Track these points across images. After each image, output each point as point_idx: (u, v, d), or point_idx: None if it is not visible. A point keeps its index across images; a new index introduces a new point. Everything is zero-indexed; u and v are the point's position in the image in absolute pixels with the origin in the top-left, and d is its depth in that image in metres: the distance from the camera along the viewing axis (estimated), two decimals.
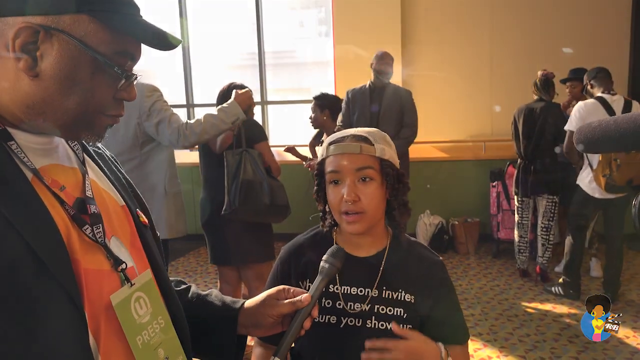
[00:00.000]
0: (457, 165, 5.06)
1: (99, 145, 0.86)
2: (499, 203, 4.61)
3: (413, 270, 1.13)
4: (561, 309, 3.52)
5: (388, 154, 1.08)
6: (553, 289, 3.76)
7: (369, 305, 1.09)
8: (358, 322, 1.09)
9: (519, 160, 3.97)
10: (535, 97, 3.87)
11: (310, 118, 3.42)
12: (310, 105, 3.46)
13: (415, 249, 1.18)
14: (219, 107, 2.49)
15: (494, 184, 4.65)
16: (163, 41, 0.69)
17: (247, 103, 2.55)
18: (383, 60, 3.85)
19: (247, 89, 2.59)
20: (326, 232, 1.19)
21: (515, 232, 4.07)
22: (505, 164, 4.59)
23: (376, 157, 1.07)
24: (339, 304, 1.10)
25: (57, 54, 0.64)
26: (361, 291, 1.11)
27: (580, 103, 3.55)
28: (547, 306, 3.58)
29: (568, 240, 3.71)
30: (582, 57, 4.78)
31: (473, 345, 3.04)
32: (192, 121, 2.46)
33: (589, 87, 3.60)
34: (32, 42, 0.63)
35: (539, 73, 3.85)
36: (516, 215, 4.04)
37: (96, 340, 0.66)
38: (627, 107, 3.41)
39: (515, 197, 4.02)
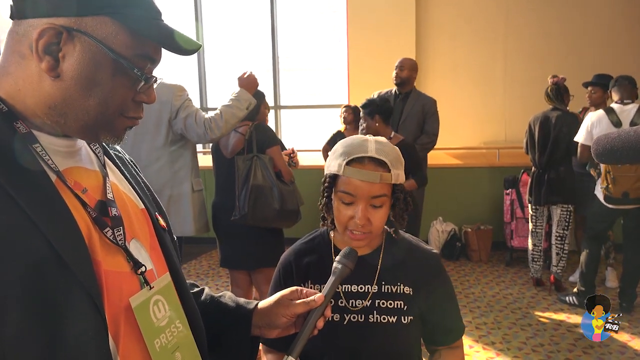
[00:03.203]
0: (470, 172, 5.02)
1: (119, 148, 0.87)
2: (513, 211, 4.56)
3: (409, 264, 1.18)
4: (575, 319, 3.47)
5: (401, 178, 1.12)
6: (567, 298, 3.71)
7: (370, 301, 1.15)
8: (361, 318, 1.14)
9: (532, 169, 3.93)
10: (550, 106, 3.83)
11: (363, 130, 3.09)
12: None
13: (410, 243, 1.23)
14: (230, 98, 2.59)
15: (507, 191, 4.61)
16: (183, 45, 0.69)
17: (253, 85, 2.64)
18: (397, 68, 3.86)
19: (248, 72, 2.66)
20: (324, 235, 1.24)
21: (529, 240, 4.03)
22: (519, 172, 4.55)
23: (391, 183, 1.11)
24: (341, 302, 1.15)
25: (79, 55, 0.64)
26: (361, 288, 1.16)
27: (589, 114, 3.51)
28: (562, 316, 3.53)
29: (583, 249, 3.66)
30: (599, 61, 4.72)
31: (486, 354, 3.01)
32: (212, 114, 2.56)
33: (611, 94, 3.57)
34: (54, 43, 0.64)
35: (549, 81, 3.80)
36: (530, 224, 4.00)
37: (115, 342, 0.66)
38: (638, 116, 3.32)
39: (529, 205, 3.98)
